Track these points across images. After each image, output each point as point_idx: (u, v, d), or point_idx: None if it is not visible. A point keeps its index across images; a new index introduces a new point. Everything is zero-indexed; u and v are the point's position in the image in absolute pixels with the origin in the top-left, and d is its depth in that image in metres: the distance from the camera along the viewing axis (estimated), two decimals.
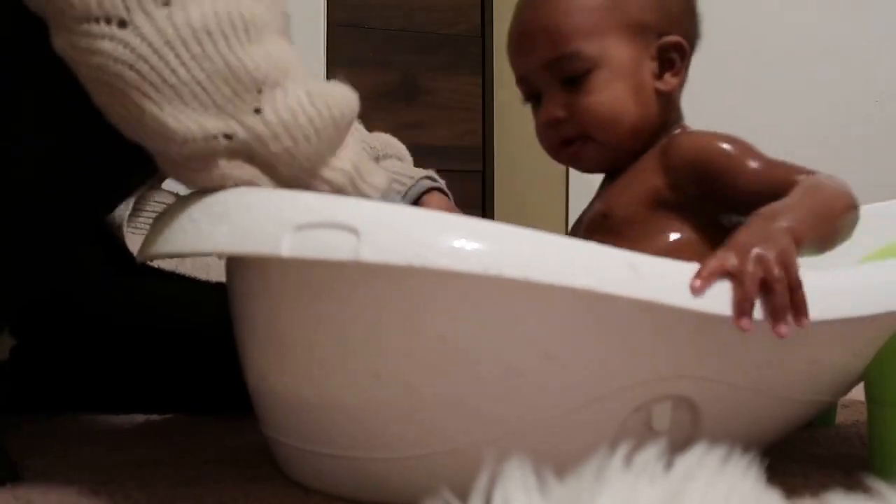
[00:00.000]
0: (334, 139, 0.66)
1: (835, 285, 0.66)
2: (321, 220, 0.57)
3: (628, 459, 0.49)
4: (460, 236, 0.56)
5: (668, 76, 0.79)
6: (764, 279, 0.60)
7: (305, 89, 0.64)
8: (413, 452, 0.64)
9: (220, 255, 0.65)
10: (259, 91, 0.62)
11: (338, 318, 0.63)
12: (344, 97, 0.67)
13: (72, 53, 0.61)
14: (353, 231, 0.56)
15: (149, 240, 0.67)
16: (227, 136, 0.62)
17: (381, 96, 1.97)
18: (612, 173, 0.83)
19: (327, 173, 0.66)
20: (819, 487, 0.69)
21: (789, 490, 0.67)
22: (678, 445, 0.52)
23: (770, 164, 0.74)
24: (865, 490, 0.63)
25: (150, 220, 1.01)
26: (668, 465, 0.49)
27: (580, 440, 0.61)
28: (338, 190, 0.67)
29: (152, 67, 0.60)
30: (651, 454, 0.49)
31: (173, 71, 0.60)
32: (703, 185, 0.75)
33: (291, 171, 0.64)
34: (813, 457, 0.78)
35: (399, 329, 0.62)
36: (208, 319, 0.93)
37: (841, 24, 2.04)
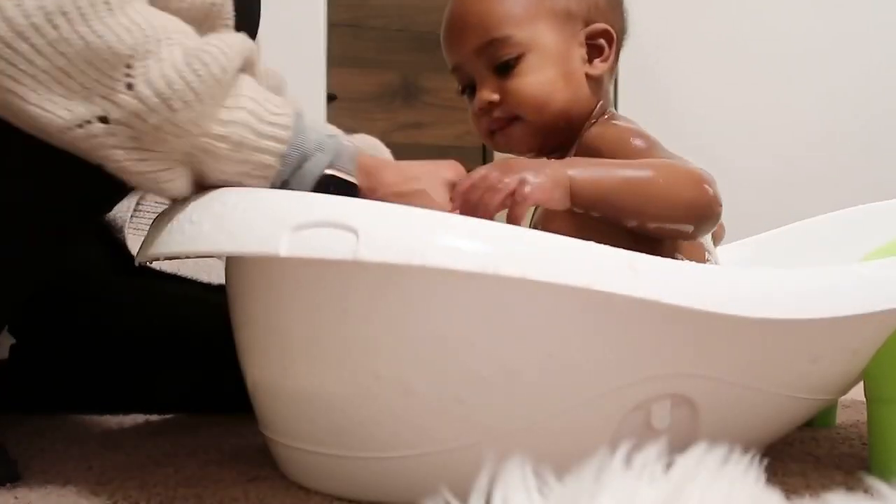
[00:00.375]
0: (218, 94, 0.63)
1: (835, 284, 0.66)
2: (320, 219, 0.57)
3: (628, 459, 0.49)
4: (459, 235, 0.57)
5: (597, 62, 0.82)
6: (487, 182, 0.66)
7: (182, 50, 0.61)
8: (413, 452, 0.64)
9: (219, 256, 0.65)
10: (128, 65, 0.59)
11: (337, 318, 0.63)
12: (227, 46, 0.64)
13: None
14: (352, 230, 0.56)
15: (149, 240, 0.67)
16: (102, 119, 0.59)
17: (381, 96, 1.97)
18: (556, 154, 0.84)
19: (218, 129, 0.63)
20: (819, 487, 0.69)
21: (789, 490, 0.67)
22: (678, 445, 0.52)
23: (650, 157, 0.75)
24: (865, 490, 0.63)
25: (150, 220, 1.01)
26: (668, 465, 0.49)
27: (580, 439, 0.61)
28: (238, 143, 0.64)
29: (8, 61, 0.58)
30: (651, 454, 0.49)
31: (30, 61, 0.58)
32: None
33: (180, 140, 0.62)
34: (813, 457, 0.78)
35: (398, 329, 0.62)
36: (208, 320, 0.93)
37: (841, 25, 2.04)
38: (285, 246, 0.56)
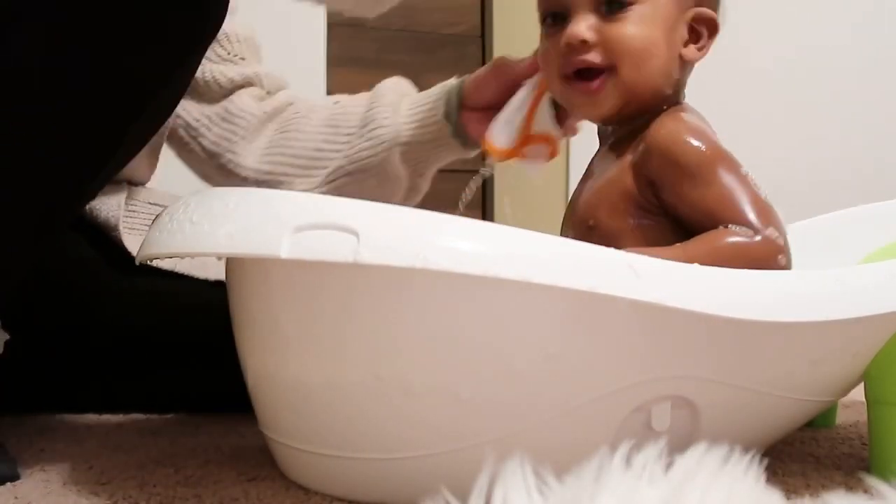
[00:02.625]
0: None
1: (835, 286, 0.66)
2: (320, 221, 0.57)
3: (628, 459, 0.49)
4: (460, 238, 0.57)
5: (692, 47, 0.77)
6: None
7: None
8: (413, 453, 0.64)
9: (219, 257, 0.65)
10: None
11: (337, 318, 0.63)
12: None
13: None
14: (353, 232, 0.56)
15: (149, 240, 0.67)
16: None
17: None
18: (609, 149, 0.79)
19: None
20: (819, 487, 0.69)
21: (789, 490, 0.67)
22: (678, 445, 0.52)
23: (721, 195, 0.71)
24: (865, 490, 0.63)
25: (146, 220, 1.01)
26: (668, 465, 0.49)
27: (580, 440, 0.61)
28: None
29: None
30: (651, 454, 0.49)
31: None
32: (653, 182, 0.73)
33: None
34: (813, 457, 0.78)
35: (399, 330, 0.62)
36: (207, 318, 0.93)
37: (843, 25, 2.04)
38: (286, 248, 0.56)
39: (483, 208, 2.02)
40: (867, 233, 0.93)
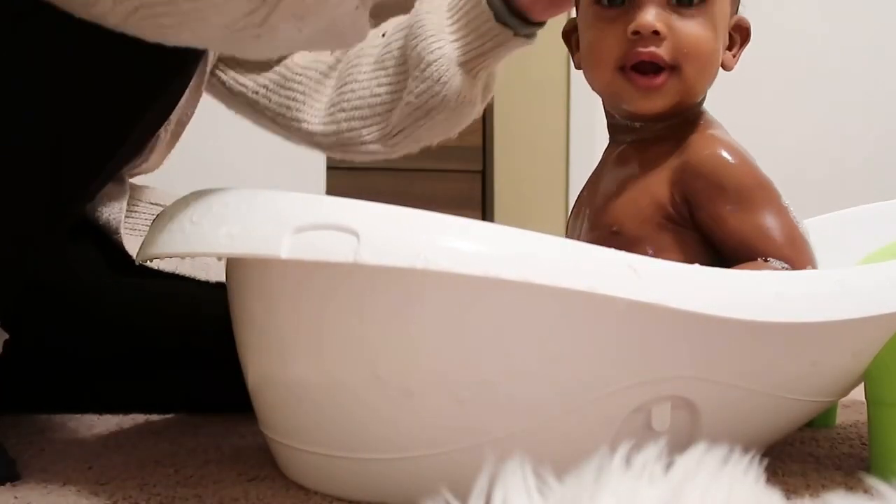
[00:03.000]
0: None
1: (836, 286, 0.66)
2: (321, 221, 0.57)
3: (628, 460, 0.49)
4: (460, 238, 0.57)
5: (729, 54, 0.77)
6: None
7: None
8: (413, 453, 0.64)
9: (219, 257, 0.65)
10: None
11: (337, 319, 0.63)
12: None
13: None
14: (353, 233, 0.56)
15: (149, 240, 0.67)
16: None
17: None
18: (633, 148, 0.77)
19: None
20: (819, 487, 0.69)
21: (789, 490, 0.67)
22: (678, 446, 0.52)
23: (760, 226, 0.71)
24: (865, 490, 0.63)
25: (147, 220, 1.01)
26: (668, 465, 0.49)
27: (580, 441, 0.61)
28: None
29: None
30: (651, 454, 0.49)
31: None
32: (690, 200, 0.73)
33: None
34: (813, 457, 0.78)
35: (399, 330, 0.62)
36: (208, 319, 0.93)
37: (841, 25, 2.04)
38: (287, 248, 0.56)
39: (483, 208, 2.02)
40: (867, 233, 0.93)
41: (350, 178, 1.80)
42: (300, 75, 1.02)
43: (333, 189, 1.75)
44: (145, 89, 0.72)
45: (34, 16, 0.64)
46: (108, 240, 0.98)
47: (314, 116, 1.01)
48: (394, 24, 1.00)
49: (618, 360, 0.63)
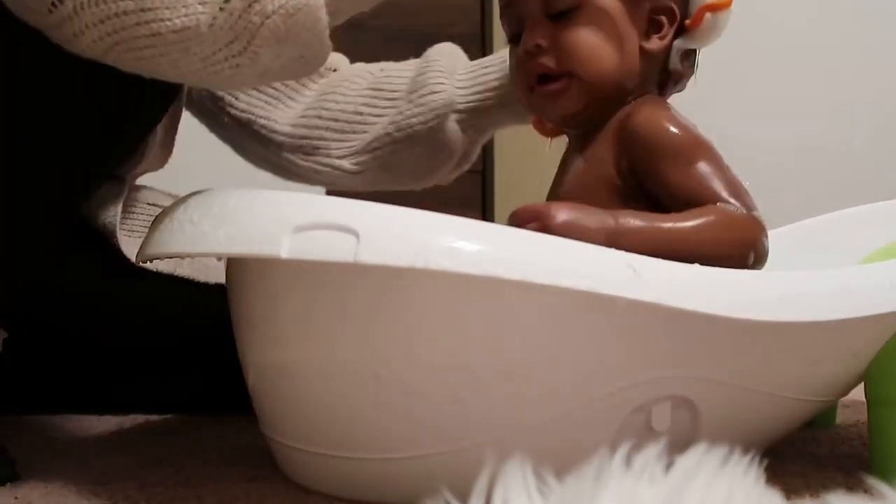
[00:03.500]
0: None
1: (836, 286, 0.66)
2: (321, 221, 0.57)
3: (628, 460, 0.49)
4: (460, 238, 0.57)
5: (654, 37, 0.79)
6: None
7: None
8: (413, 453, 0.64)
9: (219, 257, 0.65)
10: None
11: (337, 319, 0.63)
12: None
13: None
14: (353, 232, 0.56)
15: (148, 240, 0.67)
16: None
17: None
18: (577, 142, 0.80)
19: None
20: (819, 487, 0.69)
21: (789, 490, 0.67)
22: (678, 446, 0.52)
23: (702, 177, 0.72)
24: (865, 490, 0.63)
25: (146, 221, 1.00)
26: (668, 465, 0.49)
27: (580, 440, 0.61)
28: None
29: None
30: (651, 454, 0.49)
31: None
32: (635, 168, 0.74)
33: None
34: (813, 457, 0.78)
35: (398, 330, 0.62)
36: (208, 320, 0.93)
37: (841, 25, 2.04)
38: (286, 248, 0.56)
39: (483, 208, 2.02)
40: (867, 233, 0.93)
41: None
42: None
43: (332, 189, 1.75)
44: (138, 90, 0.72)
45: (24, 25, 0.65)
46: (105, 242, 0.98)
47: (284, 119, 1.00)
48: (396, 63, 1.01)
49: (618, 359, 0.63)
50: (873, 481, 0.55)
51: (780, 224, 1.02)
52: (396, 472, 0.65)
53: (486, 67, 0.96)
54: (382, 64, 1.03)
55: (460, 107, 0.95)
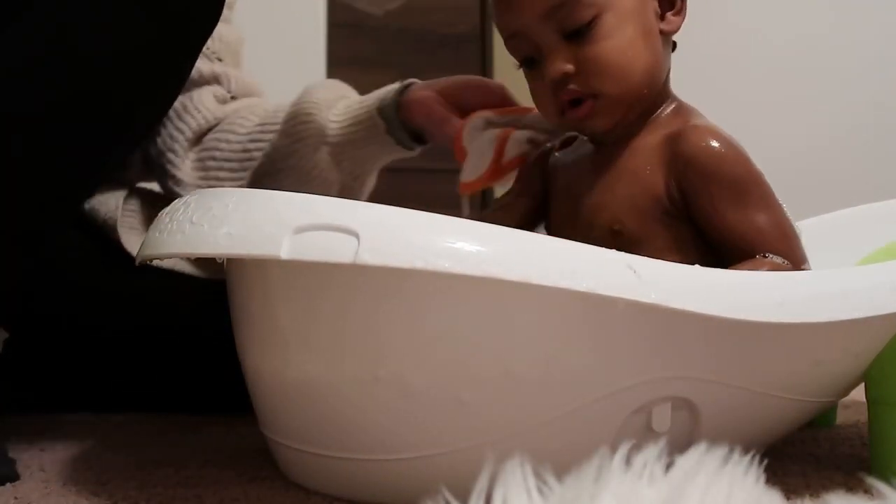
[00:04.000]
0: None
1: (836, 287, 0.66)
2: (320, 222, 0.57)
3: (628, 460, 0.49)
4: (460, 239, 0.56)
5: (669, 15, 0.75)
6: None
7: None
8: (413, 454, 0.64)
9: (219, 258, 0.65)
10: None
11: (337, 319, 0.63)
12: None
13: None
14: (353, 233, 0.56)
15: (148, 240, 0.67)
16: None
17: None
18: (602, 150, 0.77)
19: None
20: (819, 487, 0.69)
21: (789, 490, 0.67)
22: (678, 446, 0.52)
23: (758, 222, 0.71)
24: (865, 490, 0.63)
25: (145, 219, 1.00)
26: (668, 465, 0.49)
27: (580, 441, 0.61)
28: None
29: None
30: (651, 455, 0.49)
31: None
32: (685, 193, 0.72)
33: None
34: (813, 457, 0.78)
35: (399, 331, 0.62)
36: (207, 318, 0.93)
37: (842, 24, 2.04)
38: (286, 248, 0.56)
39: (483, 208, 2.02)
40: (867, 233, 0.93)
41: None
42: (198, 112, 1.01)
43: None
44: (143, 82, 0.72)
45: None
46: (104, 238, 0.98)
47: (186, 161, 1.01)
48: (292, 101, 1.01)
49: (618, 360, 0.63)
50: (873, 481, 0.55)
51: None
52: (396, 473, 0.65)
53: (362, 102, 0.96)
54: (279, 103, 1.02)
55: (331, 139, 0.95)
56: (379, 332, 0.62)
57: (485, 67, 2.05)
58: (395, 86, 0.97)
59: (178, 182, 1.00)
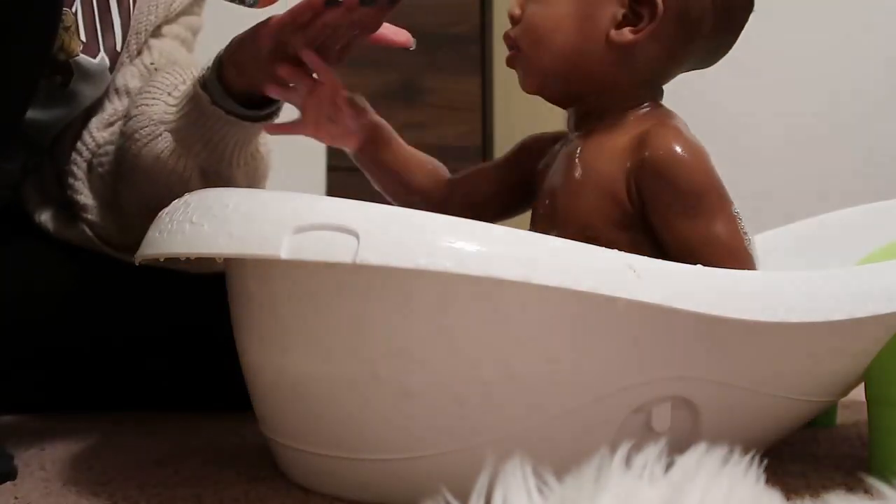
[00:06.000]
0: None
1: (836, 286, 0.66)
2: (320, 222, 0.57)
3: (628, 460, 0.49)
4: (461, 239, 0.57)
5: (626, 30, 0.74)
6: None
7: None
8: (413, 454, 0.64)
9: (219, 258, 0.65)
10: None
11: (337, 319, 0.63)
12: None
13: None
14: (353, 233, 0.56)
15: (148, 240, 0.67)
16: None
17: (381, 96, 1.97)
18: (576, 143, 0.77)
19: None
20: (819, 487, 0.69)
21: (789, 490, 0.67)
22: (678, 446, 0.52)
23: (710, 238, 0.70)
24: (865, 490, 0.63)
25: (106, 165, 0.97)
26: (668, 465, 0.49)
27: (580, 441, 0.61)
28: None
29: None
30: (651, 455, 0.49)
31: None
32: (644, 197, 0.71)
33: None
34: (813, 457, 0.78)
35: (398, 331, 0.62)
36: (207, 317, 0.93)
37: (842, 24, 2.04)
38: (286, 248, 0.56)
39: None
40: (867, 233, 0.93)
41: (350, 178, 1.79)
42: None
43: (333, 189, 1.75)
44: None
45: None
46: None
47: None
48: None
49: (618, 360, 0.63)
50: (873, 481, 0.55)
51: (779, 224, 1.02)
52: (396, 473, 0.65)
53: (192, 81, 0.86)
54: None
55: (172, 124, 0.87)
56: (379, 332, 0.62)
57: (484, 67, 2.05)
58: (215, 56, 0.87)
59: (76, 192, 0.96)
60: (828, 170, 2.00)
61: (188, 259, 0.89)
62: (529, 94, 0.79)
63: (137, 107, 0.90)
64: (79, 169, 0.97)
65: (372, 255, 0.55)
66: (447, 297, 0.61)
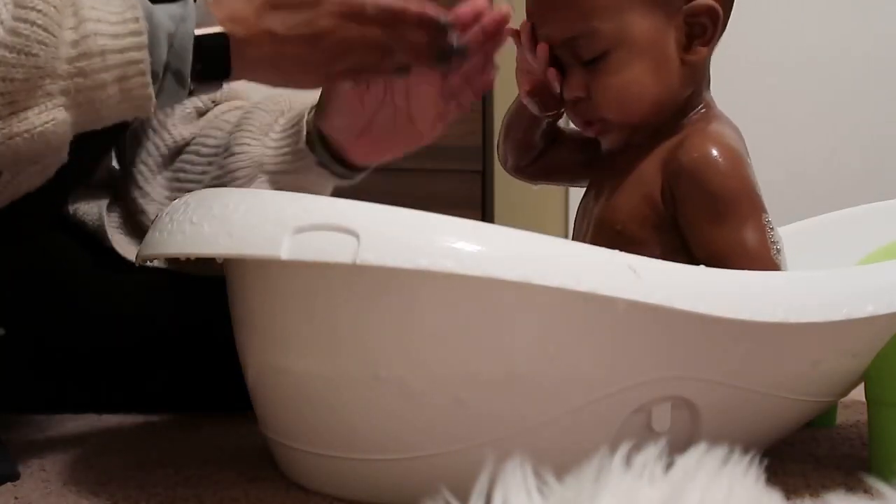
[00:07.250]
0: (62, 21, 0.62)
1: (836, 287, 0.66)
2: (321, 222, 0.57)
3: (628, 460, 0.49)
4: (460, 239, 0.57)
5: (697, 45, 0.75)
6: None
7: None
8: (413, 454, 0.64)
9: (219, 258, 0.65)
10: None
11: (337, 319, 0.63)
12: None
13: None
14: (353, 234, 0.56)
15: (148, 240, 0.67)
16: None
17: None
18: (622, 155, 0.78)
19: (73, 51, 0.62)
20: (819, 487, 0.69)
21: (789, 490, 0.67)
22: (678, 446, 0.52)
23: (737, 245, 0.71)
24: (865, 490, 0.63)
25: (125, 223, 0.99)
26: (668, 465, 0.49)
27: (580, 441, 0.61)
28: (101, 54, 0.63)
29: None
30: (651, 455, 0.49)
31: None
32: (675, 200, 0.73)
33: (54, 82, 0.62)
34: (813, 457, 0.78)
35: (399, 330, 0.62)
36: (207, 317, 0.93)
37: (842, 25, 2.04)
38: (286, 249, 0.56)
39: (483, 208, 2.02)
40: (867, 233, 0.93)
41: None
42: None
43: (333, 189, 1.76)
44: None
45: None
46: (98, 243, 0.98)
47: (157, 185, 0.99)
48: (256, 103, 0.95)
49: (618, 360, 0.63)
50: (873, 481, 0.55)
51: (779, 224, 1.02)
52: (396, 473, 0.65)
53: (294, 126, 0.90)
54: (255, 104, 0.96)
55: (270, 167, 0.90)
56: (379, 332, 0.62)
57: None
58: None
59: (145, 195, 0.98)
60: (828, 170, 2.00)
61: (189, 259, 0.89)
62: (620, 145, 0.79)
63: (239, 145, 0.91)
64: (148, 170, 0.98)
65: (372, 255, 0.55)
66: (447, 296, 0.61)
